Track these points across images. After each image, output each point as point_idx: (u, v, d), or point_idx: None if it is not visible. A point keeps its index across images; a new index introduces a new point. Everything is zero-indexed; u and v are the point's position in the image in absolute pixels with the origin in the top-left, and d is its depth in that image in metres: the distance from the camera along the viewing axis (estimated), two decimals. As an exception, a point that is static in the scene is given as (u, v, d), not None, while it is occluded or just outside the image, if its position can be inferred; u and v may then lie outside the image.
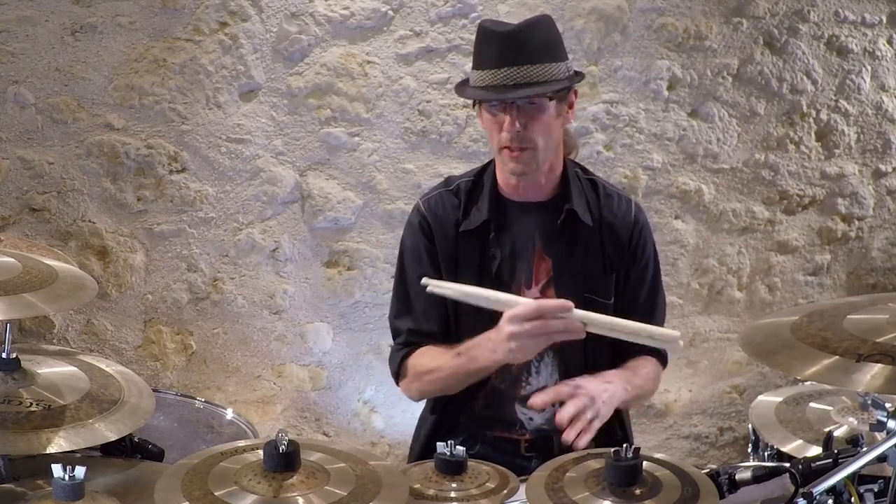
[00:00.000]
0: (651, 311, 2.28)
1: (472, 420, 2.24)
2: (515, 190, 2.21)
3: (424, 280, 2.06)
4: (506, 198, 2.22)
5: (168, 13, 3.02)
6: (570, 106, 2.18)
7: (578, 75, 2.17)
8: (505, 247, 2.20)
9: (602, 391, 2.02)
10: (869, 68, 3.51)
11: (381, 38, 3.15)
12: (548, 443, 2.20)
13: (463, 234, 2.21)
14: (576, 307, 2.04)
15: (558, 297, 2.17)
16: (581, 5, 3.23)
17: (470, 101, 2.26)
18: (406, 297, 2.26)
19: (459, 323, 2.22)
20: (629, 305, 2.24)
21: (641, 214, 2.28)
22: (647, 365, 2.25)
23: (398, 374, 2.27)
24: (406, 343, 2.26)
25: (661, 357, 2.29)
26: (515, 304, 1.98)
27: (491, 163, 2.26)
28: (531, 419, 2.22)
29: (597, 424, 1.98)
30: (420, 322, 2.24)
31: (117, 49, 3.01)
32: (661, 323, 2.31)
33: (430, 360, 2.19)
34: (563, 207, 2.18)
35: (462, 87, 2.22)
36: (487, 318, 2.17)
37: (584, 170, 2.30)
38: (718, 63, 3.37)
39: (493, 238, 2.19)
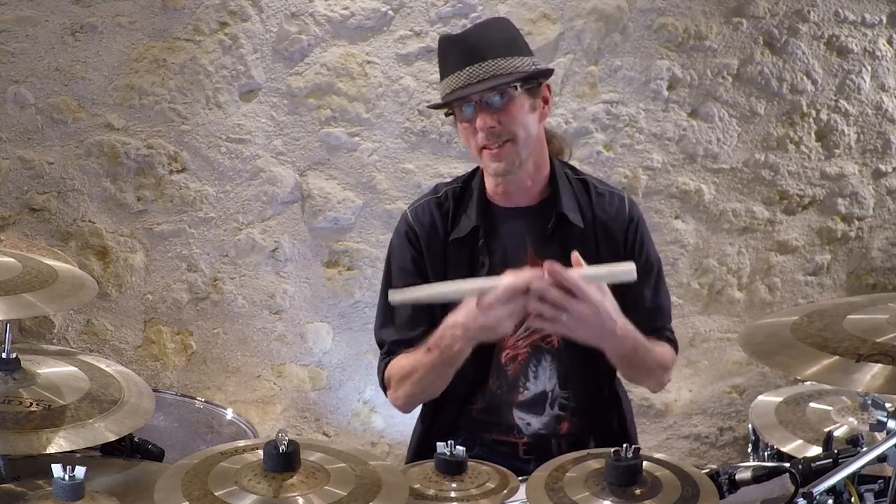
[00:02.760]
0: (657, 307, 2.23)
1: (470, 424, 2.23)
2: (504, 196, 2.17)
3: (390, 294, 2.03)
4: (494, 204, 2.19)
5: (168, 13, 3.02)
6: (546, 101, 2.14)
7: (547, 71, 2.14)
8: (496, 253, 2.16)
9: (602, 318, 1.92)
10: (869, 68, 3.51)
11: (381, 38, 3.15)
12: (546, 446, 2.19)
13: (452, 241, 2.18)
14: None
15: None
16: (581, 5, 3.23)
17: (453, 118, 2.21)
18: (390, 308, 2.22)
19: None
20: (633, 304, 2.17)
21: (636, 210, 2.23)
22: (659, 344, 2.18)
23: (384, 385, 2.26)
24: (390, 353, 2.23)
25: (673, 344, 2.24)
26: (488, 289, 1.89)
27: (478, 169, 2.24)
28: (529, 424, 2.20)
29: (556, 328, 1.95)
30: (403, 332, 2.20)
31: (117, 49, 3.01)
32: (668, 319, 2.27)
33: (407, 362, 2.15)
34: (553, 212, 2.14)
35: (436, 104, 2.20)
36: None
37: (573, 170, 2.26)
38: (718, 63, 3.37)
39: (483, 244, 2.16)
